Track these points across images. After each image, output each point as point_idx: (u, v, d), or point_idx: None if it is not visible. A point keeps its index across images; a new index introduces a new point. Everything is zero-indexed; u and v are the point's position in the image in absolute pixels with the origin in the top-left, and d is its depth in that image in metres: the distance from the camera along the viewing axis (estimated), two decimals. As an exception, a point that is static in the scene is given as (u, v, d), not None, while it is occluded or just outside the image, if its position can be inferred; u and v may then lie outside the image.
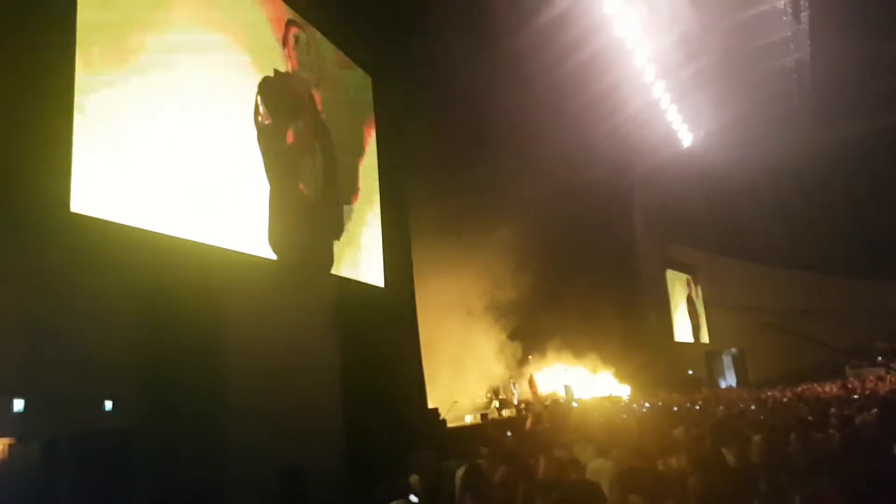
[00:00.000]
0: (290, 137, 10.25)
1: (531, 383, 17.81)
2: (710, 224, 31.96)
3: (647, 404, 15.84)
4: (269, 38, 10.16)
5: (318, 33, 11.51)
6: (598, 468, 5.37)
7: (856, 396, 13.37)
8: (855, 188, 32.87)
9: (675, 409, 14.44)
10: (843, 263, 34.24)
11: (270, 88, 9.81)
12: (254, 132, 9.37)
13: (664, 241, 30.21)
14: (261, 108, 9.53)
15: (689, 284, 32.42)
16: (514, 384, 17.02)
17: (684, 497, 4.48)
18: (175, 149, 7.76)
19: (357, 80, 12.92)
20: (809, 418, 8.75)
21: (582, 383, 19.75)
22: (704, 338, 32.51)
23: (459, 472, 5.94)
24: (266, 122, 9.61)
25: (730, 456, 5.61)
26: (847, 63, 22.73)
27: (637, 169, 26.08)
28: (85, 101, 6.57)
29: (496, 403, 15.74)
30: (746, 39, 21.11)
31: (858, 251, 33.70)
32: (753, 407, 12.67)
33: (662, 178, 27.31)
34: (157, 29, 7.73)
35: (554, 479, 4.94)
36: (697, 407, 15.10)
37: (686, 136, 26.28)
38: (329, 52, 11.90)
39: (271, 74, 9.97)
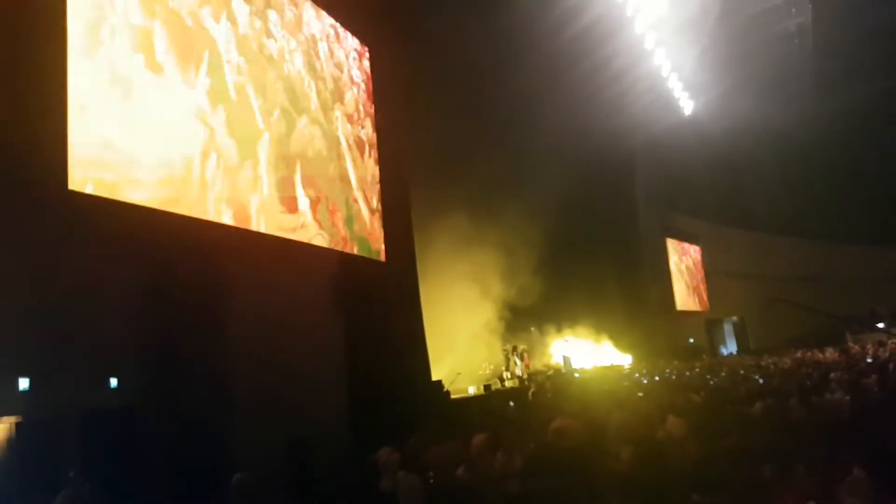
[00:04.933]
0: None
1: (524, 356, 17.88)
2: (711, 192, 31.82)
3: (644, 371, 15.95)
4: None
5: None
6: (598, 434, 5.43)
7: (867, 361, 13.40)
8: (856, 154, 32.66)
9: (673, 376, 14.56)
10: (844, 230, 34.19)
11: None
12: (254, 106, 9.29)
13: (665, 210, 30.14)
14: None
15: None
16: (516, 355, 17.11)
17: (688, 460, 4.54)
18: (172, 124, 7.70)
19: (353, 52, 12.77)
20: (808, 383, 8.81)
21: (584, 353, 19.86)
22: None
23: (476, 440, 6.07)
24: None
25: (730, 420, 5.67)
26: (849, 27, 22.40)
27: (638, 137, 25.87)
28: (79, 75, 6.49)
29: (507, 374, 15.87)
30: (748, 3, 20.79)
31: (859, 218, 33.62)
32: (757, 377, 12.71)
33: (663, 147, 27.11)
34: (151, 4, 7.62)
35: (551, 446, 5.01)
36: (697, 371, 15.23)
37: (687, 103, 26.04)
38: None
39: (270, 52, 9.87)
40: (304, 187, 10.42)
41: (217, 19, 8.84)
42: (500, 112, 17.61)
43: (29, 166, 6.01)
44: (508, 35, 16.77)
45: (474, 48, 15.76)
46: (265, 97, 9.67)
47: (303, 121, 10.65)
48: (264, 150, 9.49)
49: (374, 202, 12.63)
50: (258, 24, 9.84)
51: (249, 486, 4.70)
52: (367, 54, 13.21)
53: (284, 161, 9.99)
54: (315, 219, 10.68)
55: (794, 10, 21.36)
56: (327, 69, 11.73)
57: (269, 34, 10.08)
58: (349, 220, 11.67)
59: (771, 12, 21.65)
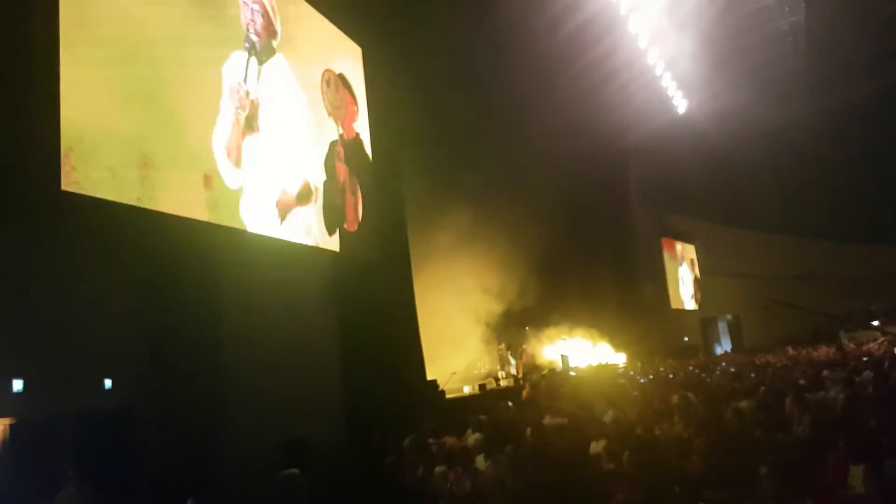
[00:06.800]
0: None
1: (521, 355, 17.91)
2: (706, 191, 31.90)
3: (639, 369, 15.97)
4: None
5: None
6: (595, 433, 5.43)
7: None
8: (850, 153, 32.74)
9: (670, 375, 14.59)
10: (838, 229, 34.27)
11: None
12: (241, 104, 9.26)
13: (660, 210, 30.22)
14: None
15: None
16: (511, 355, 17.13)
17: (686, 458, 4.56)
18: (165, 122, 7.66)
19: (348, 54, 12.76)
20: (802, 382, 8.83)
21: (579, 353, 19.89)
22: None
23: (472, 438, 6.05)
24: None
25: (728, 419, 5.69)
26: (842, 26, 22.48)
27: (632, 137, 25.93)
28: (71, 74, 6.45)
29: (502, 374, 15.89)
30: (741, 2, 20.84)
31: (853, 216, 33.72)
32: (752, 374, 12.75)
33: (658, 146, 27.17)
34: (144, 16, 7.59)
35: (547, 445, 5.01)
36: (695, 370, 15.24)
37: (681, 102, 26.09)
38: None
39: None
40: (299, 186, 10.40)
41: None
42: (495, 113, 17.62)
43: (21, 167, 5.98)
44: (501, 35, 16.77)
45: (466, 49, 15.76)
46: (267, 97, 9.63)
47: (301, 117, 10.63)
48: (260, 149, 9.45)
49: (368, 203, 12.60)
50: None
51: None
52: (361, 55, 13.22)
53: (280, 157, 9.94)
54: (310, 219, 10.65)
55: (787, 8, 21.41)
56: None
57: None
58: (343, 221, 11.66)
59: (764, 11, 21.70)
